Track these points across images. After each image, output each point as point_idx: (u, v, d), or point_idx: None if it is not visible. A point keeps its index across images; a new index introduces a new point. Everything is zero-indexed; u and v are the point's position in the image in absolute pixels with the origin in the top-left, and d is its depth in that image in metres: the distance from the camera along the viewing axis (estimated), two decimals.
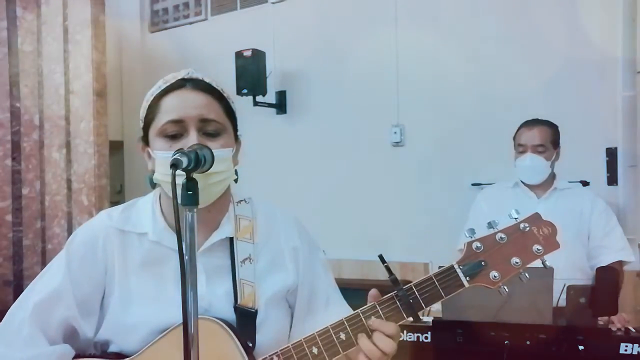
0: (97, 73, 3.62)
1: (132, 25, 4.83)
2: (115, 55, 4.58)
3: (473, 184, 3.32)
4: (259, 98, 3.92)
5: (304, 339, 1.05)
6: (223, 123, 1.13)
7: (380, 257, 1.09)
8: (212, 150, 1.01)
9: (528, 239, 1.05)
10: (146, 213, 1.20)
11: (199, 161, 0.96)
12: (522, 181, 2.47)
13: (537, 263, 1.06)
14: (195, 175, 0.99)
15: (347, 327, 1.04)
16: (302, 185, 3.83)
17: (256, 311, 1.13)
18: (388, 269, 1.07)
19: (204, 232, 1.15)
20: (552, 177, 2.45)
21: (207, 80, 1.16)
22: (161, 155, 1.10)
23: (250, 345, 1.09)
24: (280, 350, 1.06)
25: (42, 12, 3.75)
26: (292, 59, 4.04)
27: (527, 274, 1.05)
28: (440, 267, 1.90)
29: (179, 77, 1.16)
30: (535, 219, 1.07)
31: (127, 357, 1.11)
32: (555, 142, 2.42)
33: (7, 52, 3.66)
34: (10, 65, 3.67)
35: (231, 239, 1.17)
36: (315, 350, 1.04)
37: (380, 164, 3.73)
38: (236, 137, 1.19)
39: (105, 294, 1.15)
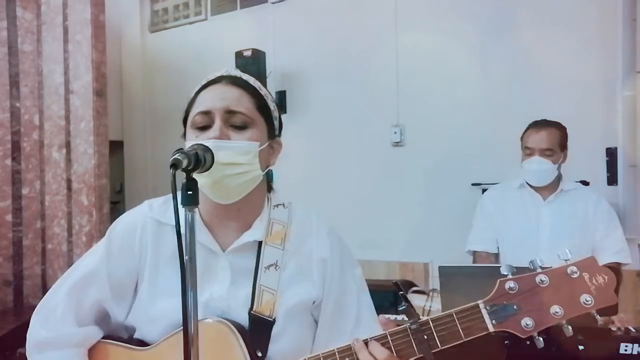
0: (97, 73, 3.61)
1: (132, 25, 4.84)
2: (115, 55, 4.59)
3: (473, 184, 3.32)
4: None
5: (307, 358, 1.02)
6: (252, 117, 1.11)
7: (396, 283, 1.05)
8: (230, 140, 1.01)
9: (576, 287, 0.89)
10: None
11: (198, 161, 0.96)
12: (531, 186, 2.46)
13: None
14: (215, 166, 1.02)
15: (354, 354, 0.98)
16: (301, 185, 3.82)
17: (274, 320, 1.10)
18: (404, 297, 0.99)
19: (236, 232, 1.15)
20: (559, 178, 2.44)
21: (244, 77, 1.17)
22: (189, 144, 1.09)
23: (260, 354, 1.06)
24: None
25: (42, 12, 3.75)
26: (292, 59, 4.04)
27: (570, 327, 0.89)
28: (440, 267, 1.90)
29: (218, 75, 1.17)
30: (589, 264, 0.91)
31: (146, 345, 1.13)
32: (563, 145, 2.40)
33: (7, 52, 3.66)
34: (10, 65, 3.67)
35: (260, 242, 1.15)
36: None
37: (380, 164, 3.73)
38: (271, 136, 1.18)
39: (138, 282, 1.17)
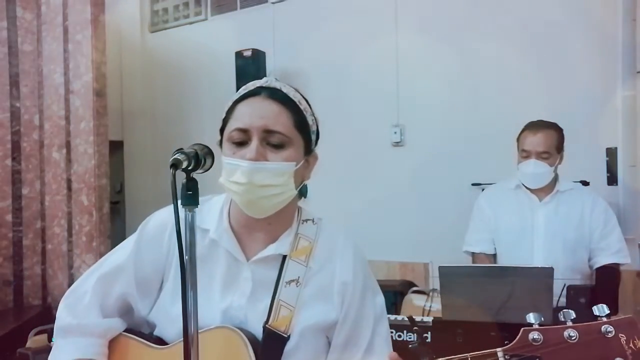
0: (97, 73, 3.61)
1: (132, 25, 4.84)
2: (115, 55, 4.58)
3: (473, 184, 3.32)
4: None
5: None
6: (290, 136, 1.10)
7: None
8: (267, 160, 1.02)
9: (609, 348, 0.79)
10: (214, 211, 1.19)
11: (199, 161, 0.96)
12: (527, 187, 2.45)
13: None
14: (250, 187, 1.04)
15: None
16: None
17: (288, 337, 1.09)
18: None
19: (262, 243, 1.15)
20: (555, 179, 2.44)
21: (284, 89, 1.14)
22: (225, 160, 1.10)
23: None
24: None
25: (42, 12, 3.75)
26: (292, 59, 4.04)
27: None
28: (440, 267, 1.91)
29: (257, 85, 1.14)
30: (628, 324, 0.82)
31: (164, 343, 1.15)
32: (559, 147, 2.39)
33: (7, 52, 3.66)
34: (10, 65, 3.67)
35: (284, 257, 1.14)
36: None
37: (380, 164, 3.73)
38: (308, 151, 1.17)
39: (163, 280, 1.18)
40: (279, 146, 1.09)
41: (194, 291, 0.92)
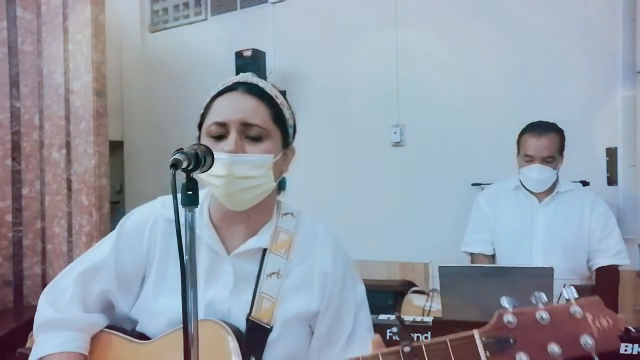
0: (97, 73, 3.61)
1: (132, 25, 4.84)
2: (115, 55, 4.58)
3: (473, 184, 3.32)
4: None
5: None
6: (267, 128, 1.12)
7: (398, 316, 1.02)
8: (245, 153, 1.03)
9: (577, 327, 0.86)
10: None
11: (199, 161, 0.96)
12: (527, 189, 2.44)
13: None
14: (229, 179, 1.05)
15: None
16: (301, 185, 3.82)
17: (271, 328, 1.11)
18: (400, 319, 0.99)
19: (242, 236, 1.17)
20: (555, 180, 2.43)
21: (260, 84, 1.18)
22: None
23: (254, 359, 1.08)
24: None
25: (42, 12, 3.75)
26: (292, 59, 4.04)
27: None
28: (440, 267, 1.91)
29: (234, 80, 1.18)
30: (595, 305, 0.87)
31: (147, 339, 1.15)
32: (562, 149, 2.37)
33: (7, 52, 3.66)
34: (10, 65, 3.67)
35: (265, 250, 1.16)
36: None
37: (380, 164, 3.73)
38: (285, 144, 1.18)
39: (145, 276, 1.19)
40: (257, 139, 1.11)
41: (194, 291, 0.91)
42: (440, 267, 1.87)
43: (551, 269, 1.82)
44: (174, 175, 0.90)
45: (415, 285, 2.89)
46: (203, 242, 1.15)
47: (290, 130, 1.21)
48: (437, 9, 3.55)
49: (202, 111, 1.18)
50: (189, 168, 0.94)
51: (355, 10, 3.82)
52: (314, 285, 1.16)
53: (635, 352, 1.58)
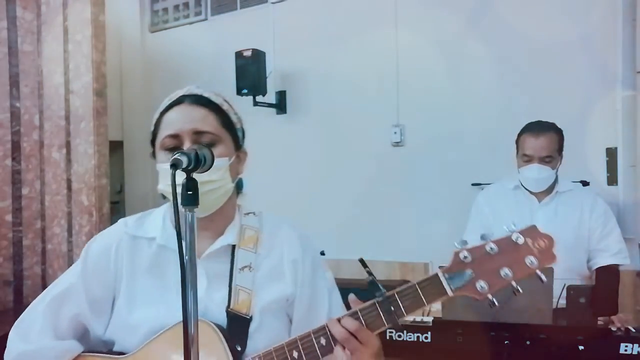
0: (97, 73, 3.61)
1: (132, 25, 4.84)
2: (115, 55, 4.58)
3: (473, 184, 3.32)
4: (259, 98, 3.92)
5: (285, 342, 1.07)
6: (218, 134, 1.17)
7: (361, 260, 1.09)
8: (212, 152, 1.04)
9: (521, 251, 1.01)
10: (157, 220, 1.25)
11: (199, 161, 0.96)
12: (526, 189, 2.44)
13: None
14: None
15: (328, 332, 1.04)
16: (302, 185, 3.83)
17: (250, 318, 1.15)
18: (369, 273, 1.06)
19: (209, 239, 1.21)
20: (555, 180, 2.43)
21: (206, 94, 1.21)
22: (160, 167, 1.17)
23: (240, 349, 1.12)
24: (262, 353, 1.08)
25: (42, 12, 3.75)
26: (292, 59, 4.04)
27: (520, 288, 1.01)
28: (440, 267, 1.90)
29: (180, 94, 1.21)
30: (531, 231, 1.03)
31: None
32: (560, 149, 2.36)
33: (7, 52, 3.66)
34: (10, 65, 3.67)
35: (234, 247, 1.21)
36: (295, 354, 1.05)
37: (380, 164, 3.73)
38: (238, 147, 1.24)
39: (115, 296, 1.21)
40: (210, 145, 1.14)
41: (194, 292, 0.91)
42: (440, 267, 1.87)
43: (551, 269, 1.82)
44: (173, 175, 0.91)
45: None
46: (171, 251, 1.18)
47: (240, 134, 1.26)
48: (437, 9, 3.55)
49: (152, 128, 1.22)
50: (189, 168, 0.94)
51: (355, 11, 3.82)
52: (285, 273, 1.21)
53: (635, 352, 1.58)
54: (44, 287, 3.81)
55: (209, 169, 1.01)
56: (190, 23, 4.59)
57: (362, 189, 3.73)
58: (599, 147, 3.09)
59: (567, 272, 2.31)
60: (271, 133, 4.00)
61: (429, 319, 1.91)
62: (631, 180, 3.02)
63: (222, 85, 4.04)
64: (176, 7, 4.68)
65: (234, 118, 1.24)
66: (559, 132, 2.38)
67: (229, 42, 4.07)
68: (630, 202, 3.02)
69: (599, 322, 1.92)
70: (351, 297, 1.08)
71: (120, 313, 1.19)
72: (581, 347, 1.61)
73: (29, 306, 1.25)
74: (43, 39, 3.74)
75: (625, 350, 1.60)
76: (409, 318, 2.00)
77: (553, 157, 2.33)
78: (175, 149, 1.14)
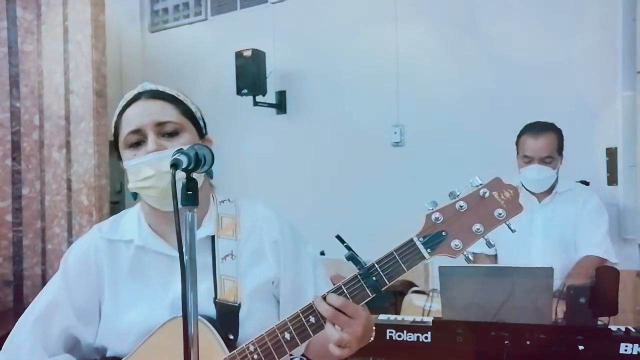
0: (97, 73, 3.61)
1: (132, 25, 4.84)
2: (115, 55, 4.58)
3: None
4: (259, 98, 3.92)
5: (276, 325, 1.07)
6: (180, 123, 1.17)
7: (338, 237, 1.10)
8: (166, 149, 1.05)
9: (489, 205, 1.03)
10: (132, 222, 1.24)
11: (199, 161, 0.96)
12: (527, 189, 2.44)
13: (502, 228, 1.03)
14: (158, 176, 1.09)
15: (315, 310, 1.04)
16: (301, 185, 3.83)
17: (239, 305, 1.15)
18: (348, 247, 1.07)
19: None
20: (555, 181, 2.44)
21: (160, 88, 1.22)
22: (128, 164, 1.15)
23: (232, 337, 1.12)
24: (255, 339, 1.08)
25: (42, 12, 3.74)
26: (292, 59, 4.04)
27: (491, 241, 1.04)
28: (440, 267, 1.91)
29: (135, 92, 1.21)
30: (496, 184, 1.04)
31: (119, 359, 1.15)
32: (560, 149, 2.37)
33: (7, 52, 3.66)
34: (10, 65, 3.66)
35: (213, 237, 1.20)
36: (287, 335, 1.05)
37: (380, 164, 3.73)
38: (201, 136, 1.22)
39: (100, 303, 1.21)
40: (173, 134, 1.15)
41: (194, 292, 0.91)
42: (440, 267, 1.87)
43: (551, 269, 1.83)
44: (174, 175, 0.91)
45: (415, 285, 2.89)
46: (150, 251, 1.19)
47: (201, 122, 1.25)
48: (437, 9, 3.55)
49: (113, 130, 1.22)
50: (189, 168, 0.94)
51: (355, 11, 3.82)
52: (267, 254, 1.22)
53: (635, 352, 1.59)
54: (44, 287, 3.82)
55: (209, 168, 1.00)
56: (190, 23, 4.59)
57: (362, 189, 3.73)
58: (599, 147, 3.09)
59: (566, 271, 2.32)
60: (271, 133, 4.00)
61: (429, 319, 1.92)
62: (631, 180, 3.02)
63: (222, 85, 4.04)
64: (176, 7, 4.68)
65: (192, 107, 1.23)
66: (558, 132, 2.38)
67: (229, 42, 4.07)
68: (630, 202, 3.02)
69: (599, 322, 1.92)
70: (336, 276, 1.09)
71: (107, 319, 1.19)
72: (581, 347, 1.61)
73: (13, 329, 1.22)
74: (43, 39, 3.74)
75: (625, 350, 1.61)
76: (409, 318, 2.00)
77: (553, 157, 2.34)
78: (139, 143, 1.14)
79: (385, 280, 1.04)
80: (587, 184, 2.83)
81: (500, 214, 1.02)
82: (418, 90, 3.60)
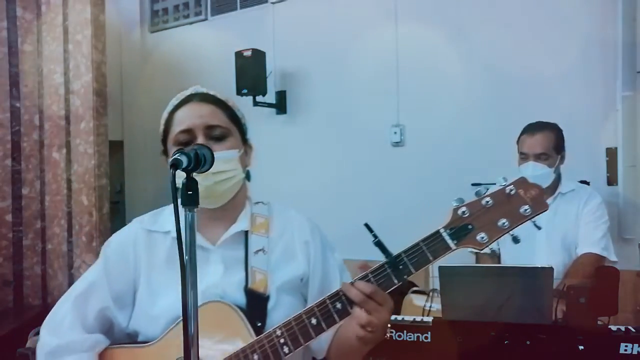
0: (97, 73, 3.61)
1: (132, 25, 4.84)
2: (115, 55, 4.58)
3: (473, 184, 3.32)
4: (259, 98, 3.92)
5: (303, 311, 1.11)
6: (228, 127, 1.25)
7: (366, 225, 1.16)
8: (214, 152, 1.07)
9: (515, 202, 1.06)
10: (171, 215, 1.27)
11: (199, 161, 0.97)
12: None
13: (528, 224, 1.07)
14: (202, 175, 1.09)
15: (343, 296, 1.09)
16: (301, 185, 3.83)
17: (267, 297, 1.22)
18: (375, 236, 1.13)
19: (223, 227, 1.28)
20: (557, 181, 2.44)
21: (211, 92, 1.30)
22: None
23: (259, 325, 1.18)
24: (282, 324, 1.12)
25: (42, 12, 3.75)
26: (292, 59, 4.04)
27: (518, 237, 1.08)
28: (440, 267, 1.90)
29: (187, 94, 1.30)
30: (522, 182, 1.08)
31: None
32: (558, 148, 2.38)
33: (7, 52, 3.66)
34: (10, 65, 3.67)
35: (246, 233, 1.28)
36: (314, 321, 1.09)
37: (380, 164, 3.73)
38: (245, 141, 1.32)
39: (136, 289, 1.28)
40: (221, 138, 1.23)
41: (194, 291, 0.92)
42: (440, 267, 1.87)
43: (551, 269, 1.82)
44: (174, 175, 0.91)
45: (415, 285, 2.89)
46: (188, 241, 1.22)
47: (245, 128, 1.33)
48: (437, 9, 3.55)
49: (162, 127, 1.30)
50: (189, 168, 0.94)
51: (355, 11, 3.82)
52: (297, 253, 1.29)
53: (635, 352, 1.59)
54: (44, 287, 3.83)
55: (209, 168, 1.02)
56: (190, 23, 4.59)
57: (362, 189, 3.73)
58: (599, 147, 3.09)
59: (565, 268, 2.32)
60: (271, 133, 4.00)
61: (429, 319, 1.91)
62: (631, 180, 3.02)
63: (222, 85, 4.02)
64: (176, 7, 4.69)
65: (238, 114, 1.31)
66: (555, 131, 2.40)
67: (229, 42, 4.07)
68: (630, 202, 3.02)
69: (599, 322, 1.92)
70: (362, 265, 1.12)
71: (142, 305, 1.25)
72: (581, 347, 1.61)
73: (56, 304, 1.31)
74: (43, 39, 3.74)
75: (625, 350, 1.60)
76: (409, 318, 2.00)
77: (549, 155, 2.35)
78: (188, 143, 1.21)
79: (412, 269, 1.08)
80: (587, 184, 2.83)
81: (526, 210, 1.06)
82: (418, 90, 3.60)
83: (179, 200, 0.92)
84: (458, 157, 3.45)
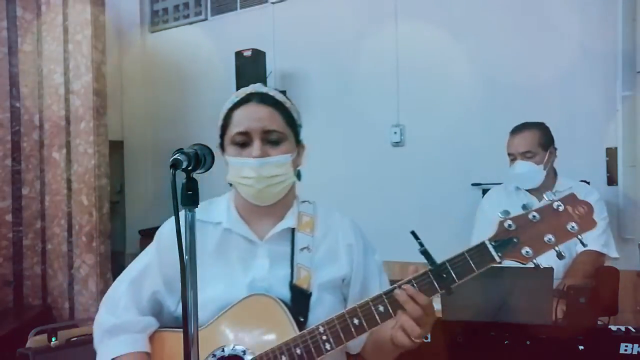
0: (97, 73, 3.61)
1: (132, 25, 4.84)
2: (115, 55, 4.59)
3: (473, 184, 3.32)
4: None
5: (345, 311, 1.14)
6: (284, 132, 1.28)
7: (413, 233, 1.18)
8: (269, 156, 1.17)
9: (562, 218, 1.07)
10: (222, 207, 1.37)
11: (199, 161, 0.97)
12: (527, 189, 2.45)
13: (574, 241, 1.06)
14: (259, 179, 1.22)
15: (385, 300, 1.12)
16: (301, 185, 3.82)
17: (310, 293, 1.26)
18: (421, 244, 1.14)
19: (271, 223, 1.32)
20: (553, 179, 2.44)
21: (270, 93, 1.31)
22: (232, 160, 1.28)
23: (302, 320, 1.22)
24: (324, 321, 1.15)
25: (42, 12, 3.75)
26: (292, 59, 4.04)
27: (563, 252, 1.07)
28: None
29: (247, 92, 1.31)
30: (571, 198, 1.09)
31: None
32: (544, 145, 2.39)
33: (7, 52, 3.66)
34: (10, 65, 3.67)
35: (293, 230, 1.32)
36: (356, 321, 1.12)
37: (380, 164, 3.73)
38: (298, 142, 1.35)
39: None
40: (276, 142, 1.26)
41: (194, 291, 0.92)
42: None
43: (551, 269, 1.82)
44: (174, 175, 0.92)
45: None
46: (235, 234, 1.30)
47: (299, 129, 1.36)
48: (437, 9, 3.55)
49: (221, 122, 1.31)
50: (189, 168, 0.94)
51: (355, 11, 3.82)
52: (341, 255, 1.33)
53: (635, 352, 1.58)
54: (44, 287, 3.83)
55: (209, 168, 1.02)
56: (190, 23, 4.59)
57: (361, 189, 3.73)
58: (599, 147, 3.09)
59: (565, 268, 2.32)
60: None
61: None
62: (631, 180, 3.02)
63: (222, 85, 4.04)
64: (176, 7, 4.69)
65: (295, 115, 1.34)
66: (541, 128, 2.42)
67: (229, 42, 4.07)
68: (630, 202, 3.02)
69: (599, 322, 1.92)
70: (412, 268, 1.16)
71: None
72: (581, 347, 1.61)
73: (112, 286, 1.37)
74: (43, 39, 3.74)
75: (625, 350, 1.60)
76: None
77: (534, 152, 2.37)
78: (245, 144, 1.25)
79: (455, 278, 1.09)
80: (587, 184, 2.83)
81: (572, 227, 1.06)
82: (418, 90, 3.60)
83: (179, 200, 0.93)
84: (458, 157, 3.45)
